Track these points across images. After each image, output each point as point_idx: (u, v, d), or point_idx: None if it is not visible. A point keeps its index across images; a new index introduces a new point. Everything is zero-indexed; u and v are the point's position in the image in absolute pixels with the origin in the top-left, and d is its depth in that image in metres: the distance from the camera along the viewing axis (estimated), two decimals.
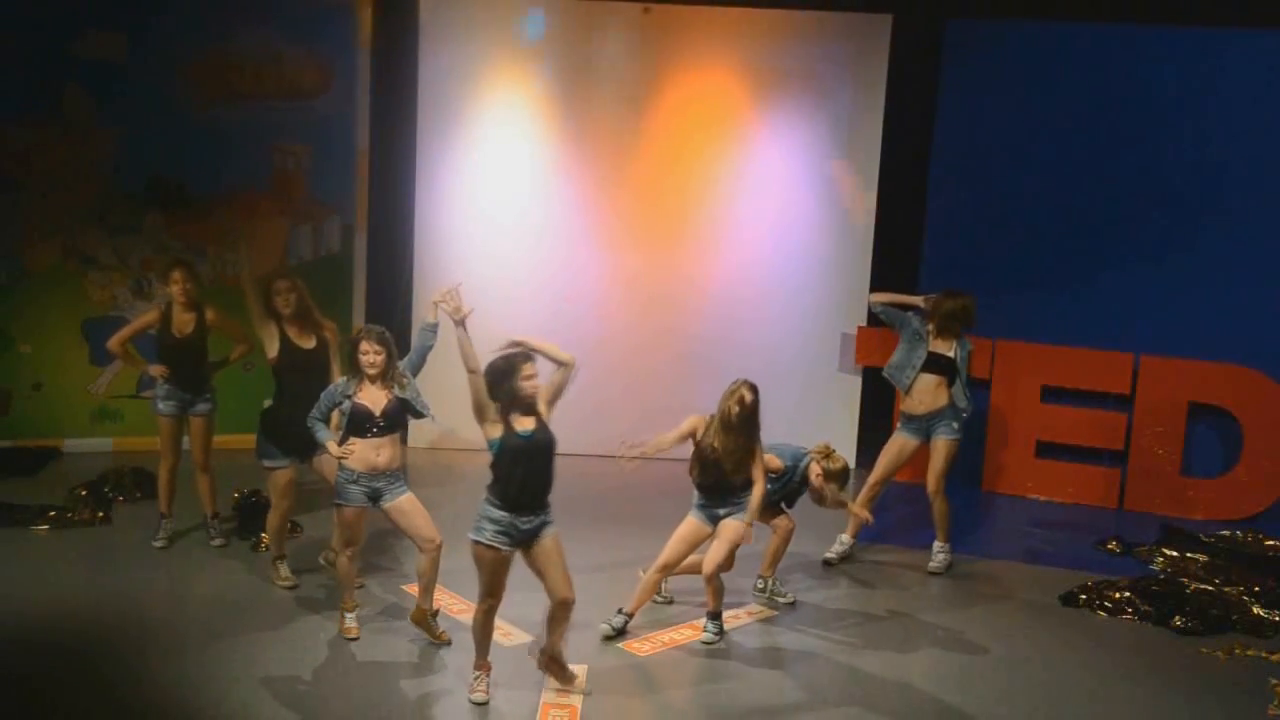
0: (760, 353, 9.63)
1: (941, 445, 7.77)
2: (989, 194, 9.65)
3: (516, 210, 9.89)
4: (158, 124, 9.29)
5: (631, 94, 9.80)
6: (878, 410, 9.75)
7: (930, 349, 7.70)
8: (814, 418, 9.52)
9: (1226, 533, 8.67)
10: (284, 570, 7.10)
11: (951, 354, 7.68)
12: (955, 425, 7.74)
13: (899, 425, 7.96)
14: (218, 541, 7.67)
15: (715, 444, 6.45)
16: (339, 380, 6.42)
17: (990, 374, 9.54)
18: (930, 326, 7.75)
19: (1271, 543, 8.51)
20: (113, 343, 7.59)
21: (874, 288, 9.81)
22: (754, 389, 6.49)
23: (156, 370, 7.47)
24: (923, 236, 9.88)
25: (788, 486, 7.02)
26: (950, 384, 7.69)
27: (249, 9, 9.40)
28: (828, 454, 6.87)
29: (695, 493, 6.67)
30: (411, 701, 5.86)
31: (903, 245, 9.94)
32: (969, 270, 9.64)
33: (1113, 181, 9.35)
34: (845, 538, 7.96)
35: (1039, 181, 9.52)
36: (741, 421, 6.44)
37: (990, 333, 9.51)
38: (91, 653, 6.16)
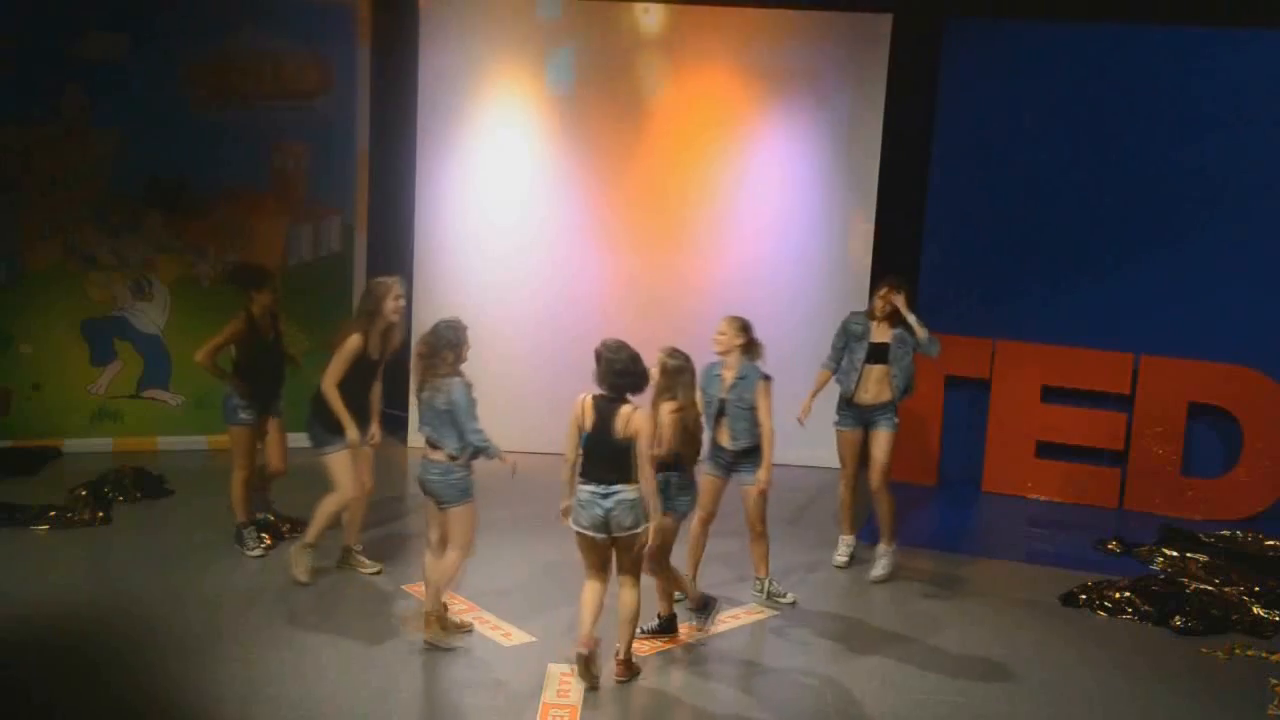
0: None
1: (883, 438, 7.57)
2: (989, 193, 9.65)
3: (516, 210, 9.90)
4: (158, 124, 9.30)
5: (632, 94, 9.80)
6: None
7: (872, 340, 7.57)
8: (814, 417, 9.47)
9: (1226, 533, 8.67)
10: (305, 560, 7.09)
11: (888, 340, 7.52)
12: (895, 419, 7.61)
13: (838, 419, 7.71)
14: (256, 552, 7.51)
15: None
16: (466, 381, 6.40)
17: (990, 374, 9.54)
18: (879, 317, 7.57)
19: (1271, 543, 8.51)
20: (202, 356, 7.28)
21: (873, 285, 9.83)
22: (667, 354, 6.28)
23: (240, 385, 7.37)
24: (923, 236, 9.87)
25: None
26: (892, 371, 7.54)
27: (249, 9, 9.41)
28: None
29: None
30: (412, 702, 5.85)
31: (903, 245, 9.94)
32: (969, 270, 9.66)
33: (1113, 181, 9.35)
34: (849, 538, 7.90)
35: (1039, 181, 9.52)
36: (658, 391, 6.27)
37: (990, 333, 9.52)
38: (91, 653, 6.16)
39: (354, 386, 6.97)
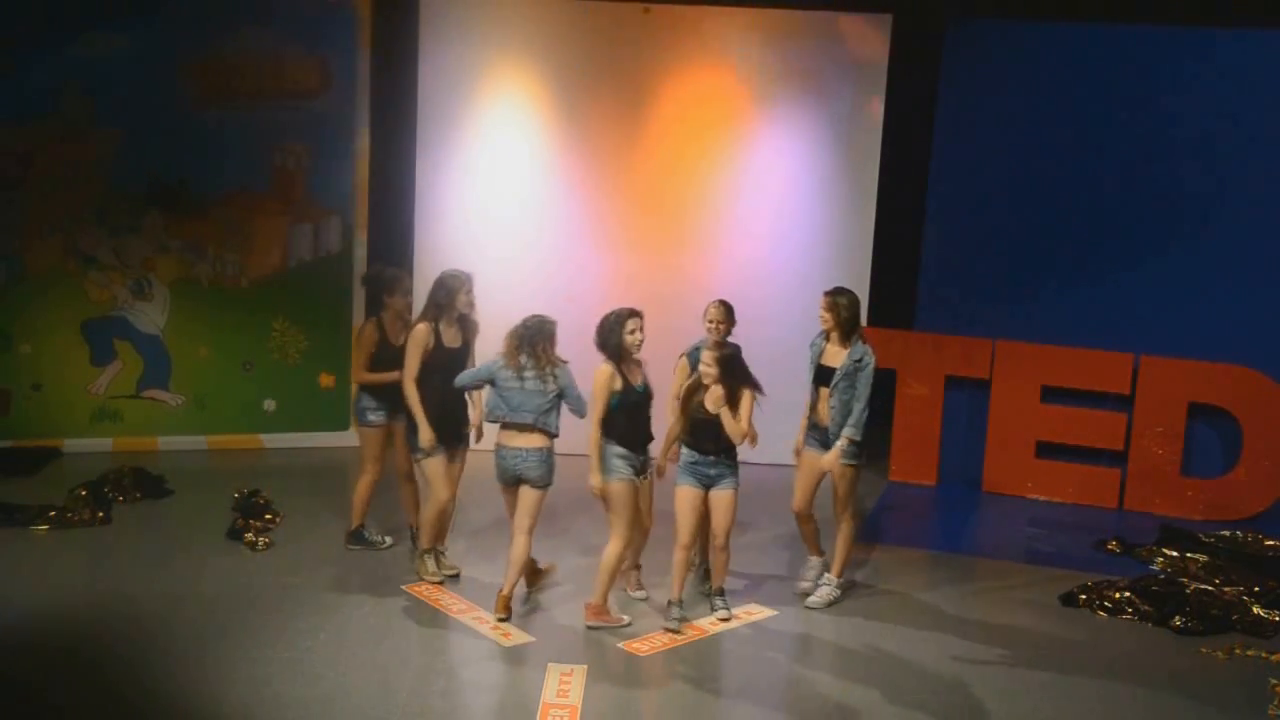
0: (760, 353, 9.59)
1: (839, 472, 7.07)
2: (989, 194, 9.65)
3: (516, 210, 9.89)
4: (158, 124, 9.29)
5: (631, 94, 9.80)
6: (877, 409, 9.74)
7: (821, 362, 7.15)
8: None
9: (1226, 533, 8.67)
10: (430, 565, 7.18)
11: (835, 364, 7.06)
12: (849, 449, 7.02)
13: (804, 436, 7.26)
14: (388, 541, 7.70)
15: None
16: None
17: (990, 374, 9.54)
18: (829, 338, 7.19)
19: (1271, 543, 8.52)
20: (362, 379, 7.41)
21: (873, 285, 9.84)
22: (717, 348, 6.81)
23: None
24: (922, 237, 9.87)
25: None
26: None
27: (249, 9, 9.40)
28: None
29: (682, 454, 6.77)
30: (411, 703, 5.85)
31: (902, 246, 9.94)
32: (969, 270, 9.66)
33: (1113, 181, 9.35)
34: (814, 560, 7.38)
35: (1039, 181, 9.51)
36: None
37: (990, 333, 9.52)
38: (91, 653, 6.16)
39: (435, 380, 6.94)
